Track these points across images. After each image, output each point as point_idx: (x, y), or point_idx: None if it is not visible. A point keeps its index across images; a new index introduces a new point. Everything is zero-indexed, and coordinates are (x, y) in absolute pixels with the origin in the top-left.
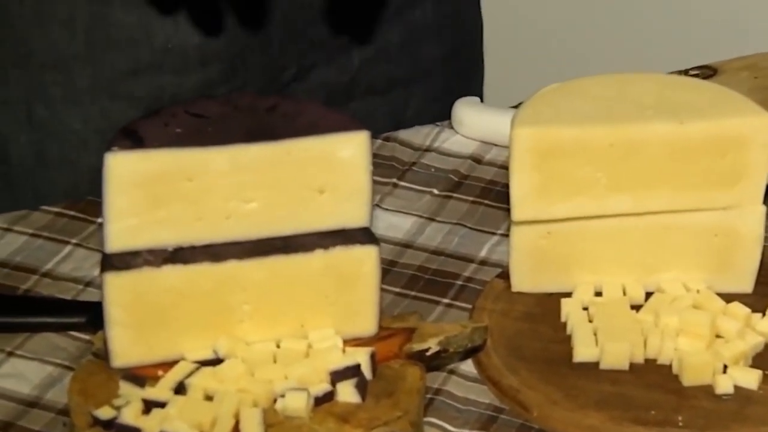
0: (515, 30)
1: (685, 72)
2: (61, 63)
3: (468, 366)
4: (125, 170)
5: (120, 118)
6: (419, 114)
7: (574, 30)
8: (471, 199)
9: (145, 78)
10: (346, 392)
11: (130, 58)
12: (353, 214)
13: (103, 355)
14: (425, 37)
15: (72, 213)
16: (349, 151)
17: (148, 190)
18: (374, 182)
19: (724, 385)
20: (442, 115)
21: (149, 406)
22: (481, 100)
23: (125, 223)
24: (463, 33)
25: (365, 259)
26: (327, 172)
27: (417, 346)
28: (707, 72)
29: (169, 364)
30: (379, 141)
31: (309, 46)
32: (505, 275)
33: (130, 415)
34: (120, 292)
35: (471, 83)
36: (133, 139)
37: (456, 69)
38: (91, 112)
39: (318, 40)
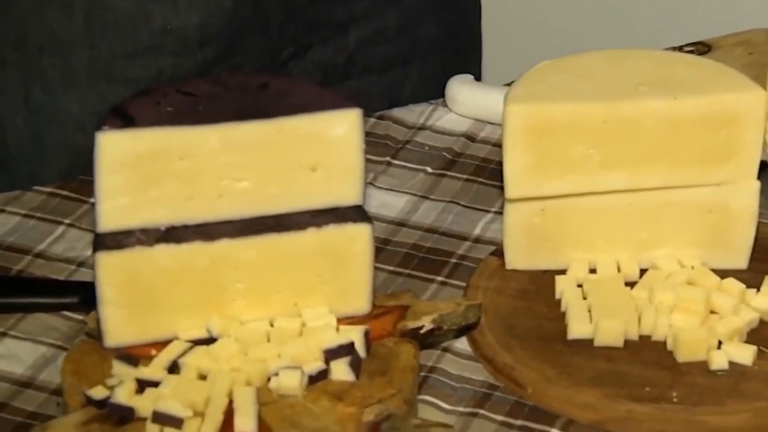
0: (512, 8)
1: (680, 48)
2: (58, 46)
3: (462, 344)
4: (116, 149)
5: (118, 102)
6: (416, 93)
7: (569, 8)
8: (465, 177)
9: (143, 60)
10: (340, 370)
11: (128, 40)
12: (346, 192)
13: (96, 335)
14: (422, 17)
15: (65, 193)
16: (341, 129)
17: (139, 169)
18: (367, 161)
19: (719, 361)
20: (438, 94)
21: (143, 385)
22: (479, 79)
23: (117, 202)
24: (461, 13)
25: (358, 237)
26: (319, 150)
27: (411, 324)
28: (702, 48)
29: (162, 344)
30: (372, 119)
31: (307, 26)
32: (499, 253)
33: (123, 395)
34: (112, 271)
35: (468, 63)
36: (124, 118)
37: (453, 49)
38: (88, 96)
39: (316, 20)
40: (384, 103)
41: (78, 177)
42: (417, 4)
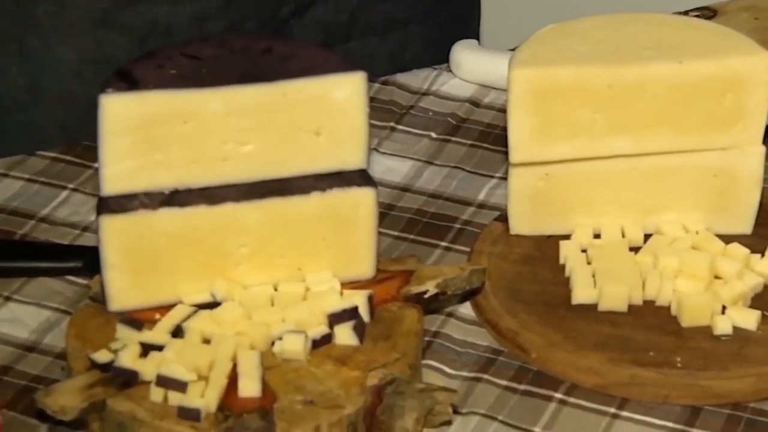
0: None
1: (686, 13)
2: None
3: (466, 309)
4: (120, 112)
5: (114, 49)
6: (417, 57)
7: None
8: (469, 142)
9: (139, 8)
10: (344, 335)
11: None
12: (350, 156)
13: (100, 299)
14: None
15: (68, 158)
16: (344, 93)
17: (143, 132)
18: (372, 126)
19: (723, 326)
20: (439, 58)
21: (147, 349)
22: (479, 43)
23: (121, 165)
24: None
25: (362, 201)
26: (323, 114)
27: (415, 289)
28: (707, 13)
29: (166, 308)
30: (376, 85)
31: None
32: (503, 218)
33: (127, 358)
34: (116, 235)
35: (468, 26)
36: (128, 80)
37: (453, 11)
38: (84, 43)
39: None
40: (386, 66)
41: (82, 136)
42: None
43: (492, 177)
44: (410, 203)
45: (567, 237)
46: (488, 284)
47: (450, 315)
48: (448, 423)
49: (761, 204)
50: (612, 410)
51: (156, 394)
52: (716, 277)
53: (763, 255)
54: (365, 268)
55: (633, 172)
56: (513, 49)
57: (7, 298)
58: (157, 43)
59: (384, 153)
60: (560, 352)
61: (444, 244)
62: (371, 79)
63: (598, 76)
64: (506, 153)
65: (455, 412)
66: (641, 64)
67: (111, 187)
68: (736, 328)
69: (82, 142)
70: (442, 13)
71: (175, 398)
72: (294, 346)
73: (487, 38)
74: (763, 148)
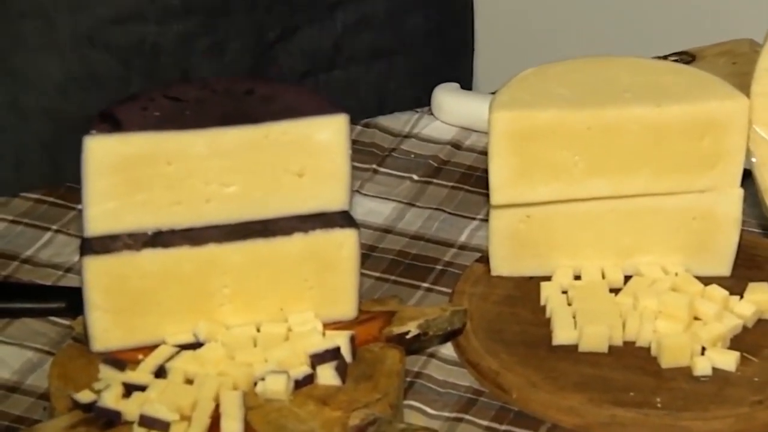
0: (504, 16)
1: (665, 58)
2: (41, 11)
3: (448, 349)
4: (104, 153)
5: (100, 68)
6: (402, 89)
7: (555, 17)
8: (450, 184)
9: (126, 27)
10: (326, 375)
11: (111, 6)
12: (333, 197)
13: (83, 340)
14: (410, 8)
15: (51, 199)
16: (327, 134)
17: (127, 173)
18: (354, 168)
19: (703, 367)
20: (425, 94)
21: (129, 389)
22: (470, 84)
23: (104, 206)
24: (450, 11)
25: (345, 242)
26: (306, 155)
27: (397, 329)
28: (686, 58)
29: (149, 348)
30: (358, 127)
31: (294, 6)
32: (484, 260)
33: (110, 399)
34: (99, 275)
35: (458, 65)
36: (112, 122)
37: (441, 47)
38: (70, 61)
39: (302, 3)
40: (370, 98)
41: (65, 184)
42: None
43: (473, 219)
44: (392, 245)
45: (548, 278)
46: (469, 325)
47: (431, 355)
48: None
49: (740, 246)
50: None
51: None
52: (695, 318)
53: (741, 297)
54: (347, 309)
55: (613, 214)
56: (494, 92)
57: None
58: (142, 62)
59: (366, 195)
60: (541, 393)
61: (425, 285)
62: (353, 121)
63: (578, 119)
64: (487, 195)
65: None
66: (620, 107)
67: (94, 227)
68: (715, 369)
69: (65, 183)
70: (430, 47)
71: None
72: (276, 387)
73: (482, 83)
74: (741, 191)
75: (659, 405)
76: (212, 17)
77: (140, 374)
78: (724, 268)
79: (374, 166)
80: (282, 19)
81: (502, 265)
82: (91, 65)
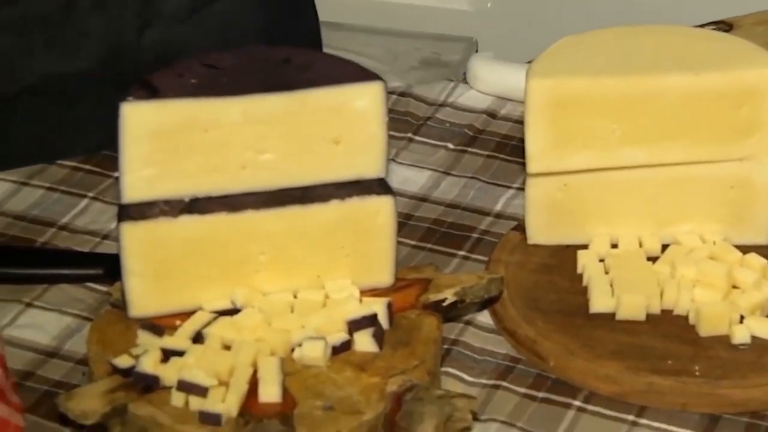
0: None
1: (702, 27)
2: None
3: (485, 317)
4: (141, 120)
5: None
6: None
7: None
8: (486, 153)
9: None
10: (364, 341)
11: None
12: (369, 164)
13: (121, 306)
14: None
15: (88, 167)
16: (364, 102)
17: (163, 140)
18: (389, 137)
19: (741, 335)
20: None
21: (167, 354)
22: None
23: (141, 173)
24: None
25: (381, 209)
26: (342, 122)
27: (433, 297)
28: (723, 27)
29: (186, 314)
30: (393, 96)
31: None
32: (520, 228)
33: (148, 364)
34: (137, 242)
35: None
36: (149, 89)
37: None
38: None
39: None
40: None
41: (102, 152)
42: None
43: (509, 187)
44: (428, 213)
45: (584, 246)
46: (506, 293)
47: (468, 323)
48: (468, 429)
49: None
50: (631, 418)
51: (177, 398)
52: (734, 286)
53: None
54: (384, 276)
55: (650, 183)
56: (530, 62)
57: (29, 305)
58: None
59: (402, 163)
60: (578, 361)
61: (462, 253)
62: (388, 90)
63: (615, 87)
64: (522, 164)
65: (475, 419)
66: (658, 75)
67: (131, 194)
68: (754, 337)
69: (101, 152)
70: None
71: (196, 403)
72: (314, 353)
73: (506, 52)
74: None
75: (697, 373)
76: None
77: (178, 340)
78: (762, 237)
79: (410, 134)
80: None
81: (539, 233)
82: None
